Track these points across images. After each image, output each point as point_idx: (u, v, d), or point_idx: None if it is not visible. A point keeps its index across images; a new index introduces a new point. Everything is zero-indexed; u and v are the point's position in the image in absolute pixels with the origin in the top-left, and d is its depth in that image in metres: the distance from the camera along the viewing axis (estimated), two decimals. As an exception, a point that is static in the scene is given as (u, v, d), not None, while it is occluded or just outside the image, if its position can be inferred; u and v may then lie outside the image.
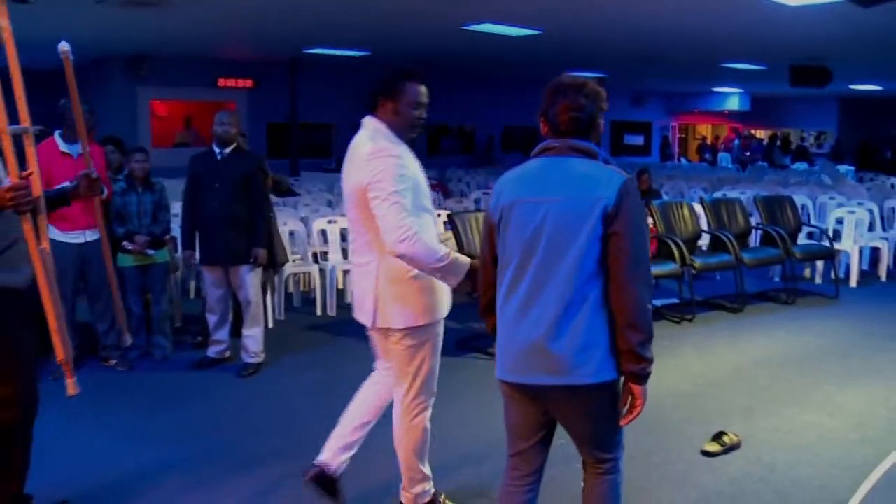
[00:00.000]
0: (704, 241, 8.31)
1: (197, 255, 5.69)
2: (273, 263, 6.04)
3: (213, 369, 5.67)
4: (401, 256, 3.00)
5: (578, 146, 2.54)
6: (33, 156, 2.95)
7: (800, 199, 10.11)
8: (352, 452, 3.54)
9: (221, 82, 15.99)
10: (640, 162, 21.78)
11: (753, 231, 8.64)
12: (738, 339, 6.52)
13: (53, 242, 3.25)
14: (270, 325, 6.74)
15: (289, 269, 7.24)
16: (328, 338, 6.64)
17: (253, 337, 5.60)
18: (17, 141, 2.89)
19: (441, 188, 12.90)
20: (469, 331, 6.78)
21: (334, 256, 7.67)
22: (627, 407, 2.55)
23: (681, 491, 3.82)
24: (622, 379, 2.52)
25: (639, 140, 27.91)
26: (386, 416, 3.59)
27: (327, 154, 18.22)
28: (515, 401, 2.69)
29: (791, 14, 9.10)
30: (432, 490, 3.51)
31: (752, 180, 14.98)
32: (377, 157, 3.05)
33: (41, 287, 2.90)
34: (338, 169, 14.40)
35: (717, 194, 11.25)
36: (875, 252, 9.43)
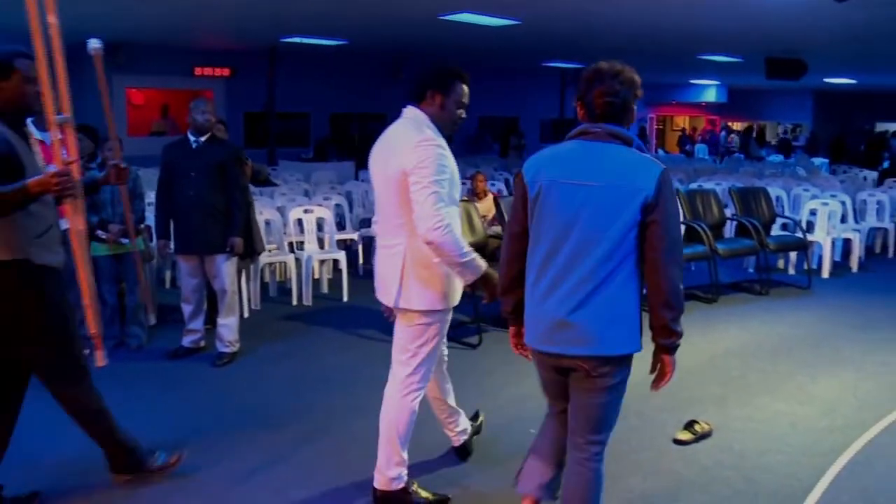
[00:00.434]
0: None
1: (172, 244, 5.66)
2: (250, 252, 6.03)
3: (187, 359, 5.65)
4: (430, 243, 3.14)
5: (616, 132, 2.66)
6: (74, 144, 3.18)
7: (774, 190, 10.20)
8: (460, 419, 3.97)
9: (198, 71, 15.86)
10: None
11: (728, 222, 8.71)
12: (711, 329, 6.58)
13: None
14: (246, 314, 6.73)
15: (265, 258, 7.22)
16: (304, 327, 6.63)
17: (228, 326, 5.59)
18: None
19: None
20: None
21: (310, 246, 7.66)
22: (657, 374, 2.79)
23: (653, 479, 3.86)
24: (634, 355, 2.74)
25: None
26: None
27: (305, 143, 18.14)
28: (545, 367, 2.89)
29: (767, 7, 9.16)
30: (406, 477, 3.54)
31: (728, 172, 15.10)
32: (423, 145, 3.18)
33: (79, 266, 3.23)
34: (315, 158, 14.39)
35: (694, 185, 11.34)
36: (847, 243, 9.55)
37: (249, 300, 6.93)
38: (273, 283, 7.80)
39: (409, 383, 3.46)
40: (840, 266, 9.35)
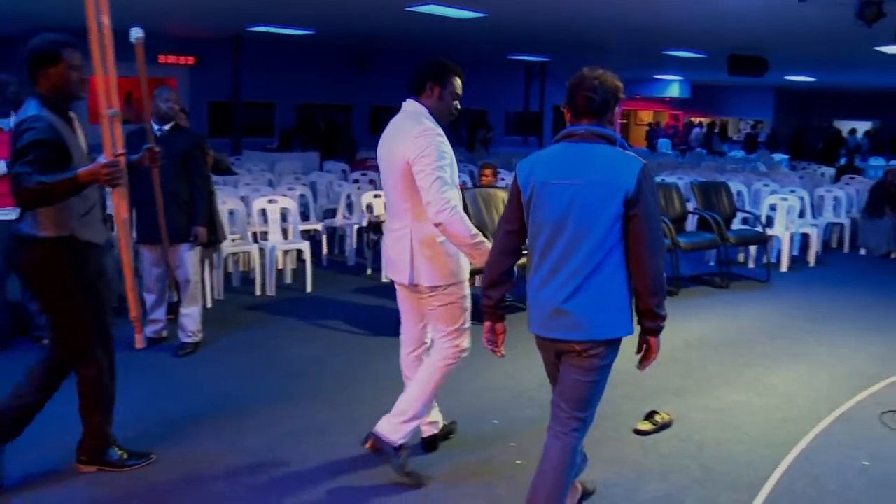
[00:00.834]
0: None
1: (133, 233, 5.59)
2: (213, 241, 5.98)
3: (149, 349, 5.57)
4: (439, 225, 3.42)
5: (599, 132, 2.89)
6: (121, 136, 3.41)
7: (735, 185, 10.35)
8: (433, 410, 4.02)
9: (162, 59, 15.66)
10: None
11: (690, 216, 8.83)
12: (672, 322, 6.56)
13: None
14: (209, 304, 6.68)
15: (228, 248, 7.16)
16: (267, 318, 6.60)
17: (191, 316, 5.54)
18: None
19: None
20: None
21: (274, 236, 7.61)
22: (643, 355, 3.04)
23: (613, 468, 3.92)
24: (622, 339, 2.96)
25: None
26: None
27: (269, 133, 18.01)
28: (545, 351, 3.11)
29: (730, 4, 9.29)
30: (407, 440, 3.72)
31: (690, 166, 15.29)
32: (424, 135, 3.46)
33: (122, 249, 3.56)
34: (280, 149, 14.32)
35: (656, 179, 11.45)
36: (805, 238, 9.73)
37: (213, 290, 6.88)
38: (236, 273, 7.75)
39: (448, 350, 3.75)
40: (798, 260, 9.53)
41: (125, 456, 3.78)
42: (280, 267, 7.77)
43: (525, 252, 3.07)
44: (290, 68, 17.63)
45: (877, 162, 21.48)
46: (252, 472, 3.84)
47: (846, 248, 10.74)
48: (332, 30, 13.88)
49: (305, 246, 7.67)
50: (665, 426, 4.39)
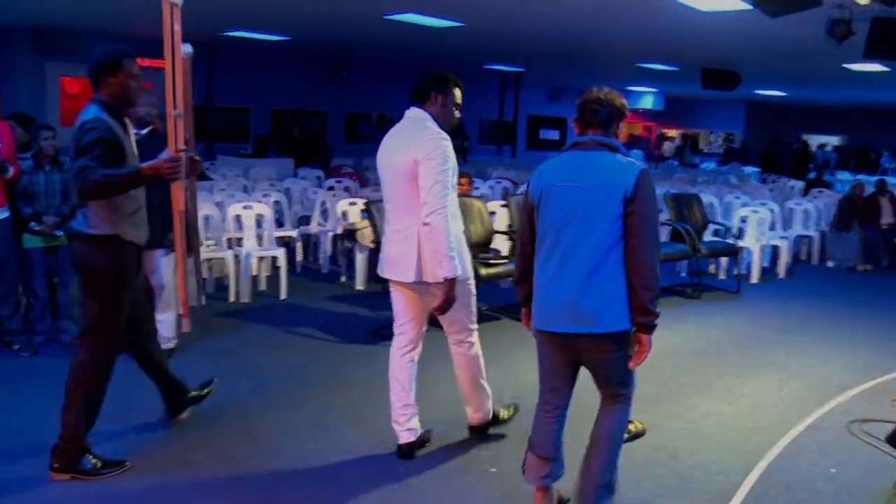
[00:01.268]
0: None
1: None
2: (188, 247, 5.93)
3: (122, 355, 5.53)
4: (426, 224, 3.64)
5: (603, 141, 3.15)
6: (183, 134, 3.70)
7: (707, 197, 10.48)
8: (414, 416, 4.12)
9: (136, 62, 15.54)
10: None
11: (662, 227, 8.93)
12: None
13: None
14: (181, 310, 6.62)
15: (203, 254, 7.13)
16: (241, 324, 6.58)
17: (165, 322, 5.50)
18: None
19: (357, 176, 12.85)
20: (382, 319, 6.81)
21: (249, 243, 7.59)
22: (636, 352, 3.15)
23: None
24: (634, 329, 3.12)
25: (554, 135, 28.35)
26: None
27: (244, 138, 17.93)
28: (548, 347, 3.30)
29: (703, 19, 9.41)
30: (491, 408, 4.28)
31: (663, 178, 15.44)
32: (434, 139, 3.70)
33: (177, 243, 3.87)
34: (254, 154, 14.27)
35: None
36: (775, 250, 9.87)
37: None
38: (211, 279, 7.71)
39: (466, 341, 4.06)
40: (768, 272, 9.67)
41: (98, 464, 3.78)
42: (254, 273, 7.74)
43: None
44: (265, 74, 17.57)
45: (844, 176, 21.84)
46: (227, 478, 3.83)
47: (815, 261, 10.92)
48: (307, 36, 13.87)
49: (280, 253, 7.65)
50: (638, 435, 4.43)
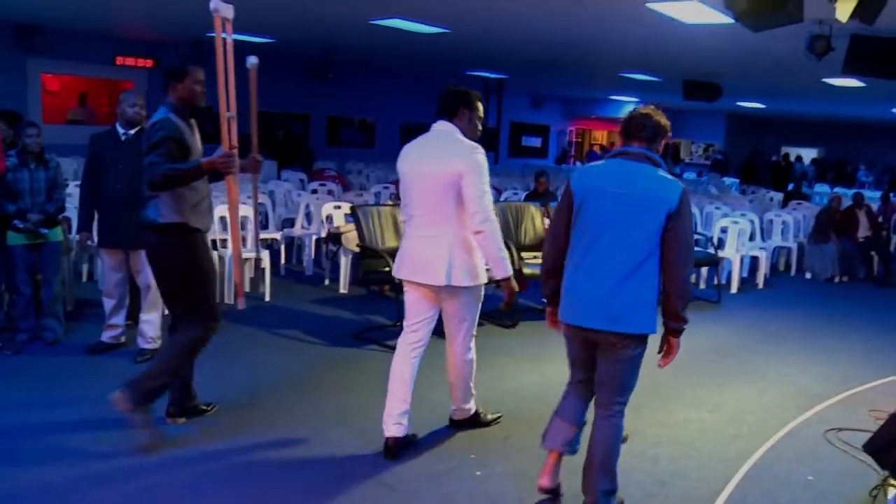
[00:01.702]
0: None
1: (95, 236, 5.55)
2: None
3: (107, 354, 5.55)
4: (479, 233, 3.92)
5: (648, 155, 3.34)
6: (234, 133, 4.05)
7: (688, 207, 10.55)
8: (405, 413, 4.20)
9: (120, 60, 15.42)
10: (538, 164, 22.28)
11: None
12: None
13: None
14: (167, 311, 6.61)
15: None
16: (225, 325, 6.44)
17: (151, 322, 5.51)
18: None
19: (340, 180, 12.86)
20: (366, 322, 6.85)
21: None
22: (665, 353, 3.45)
23: (570, 481, 3.97)
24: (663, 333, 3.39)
25: (536, 142, 28.49)
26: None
27: (226, 140, 17.85)
28: (576, 340, 3.51)
29: (687, 31, 9.52)
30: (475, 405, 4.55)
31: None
32: (475, 152, 3.96)
33: (232, 231, 4.24)
34: (238, 155, 14.02)
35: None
36: (754, 261, 9.99)
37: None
38: (194, 280, 7.68)
39: (467, 343, 4.27)
40: (747, 282, 9.79)
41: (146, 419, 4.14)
42: (238, 275, 7.72)
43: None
44: (248, 76, 17.53)
45: (822, 189, 22.11)
46: (211, 478, 3.84)
47: (793, 272, 11.06)
48: (292, 39, 13.84)
49: (265, 254, 7.65)
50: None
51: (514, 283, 4.10)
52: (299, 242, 9.48)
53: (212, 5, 4.04)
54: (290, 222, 9.68)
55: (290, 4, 10.10)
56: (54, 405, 4.61)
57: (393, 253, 6.46)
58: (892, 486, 3.83)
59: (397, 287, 5.94)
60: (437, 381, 5.31)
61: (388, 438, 4.14)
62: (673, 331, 3.39)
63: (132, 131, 5.34)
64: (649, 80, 17.45)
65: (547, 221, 8.01)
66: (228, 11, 4.16)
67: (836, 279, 10.60)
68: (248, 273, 7.97)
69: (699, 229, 10.45)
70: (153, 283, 5.43)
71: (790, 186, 17.94)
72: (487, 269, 4.09)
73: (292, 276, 8.79)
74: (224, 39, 4.05)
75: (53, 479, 3.71)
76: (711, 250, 8.99)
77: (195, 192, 4.15)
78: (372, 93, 20.15)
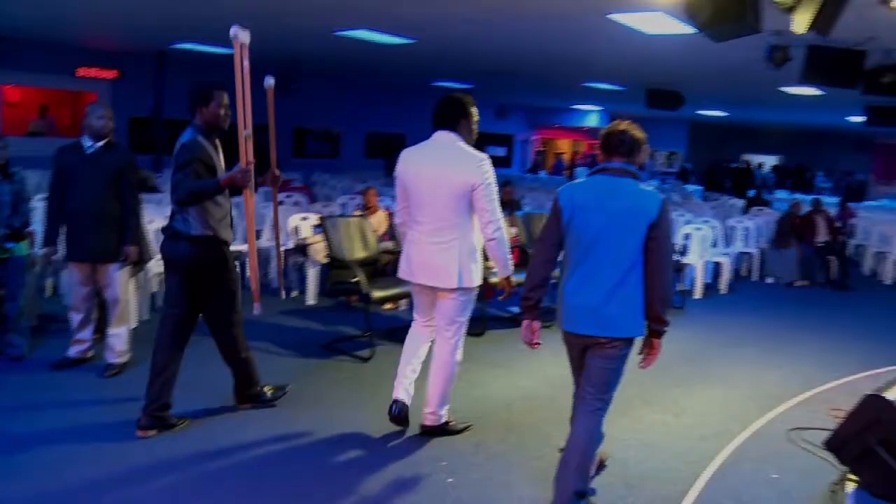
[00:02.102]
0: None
1: (60, 250, 5.50)
2: (140, 260, 5.91)
3: (74, 370, 5.49)
4: (491, 240, 4.25)
5: (628, 170, 3.57)
6: (251, 150, 4.38)
7: (652, 214, 10.70)
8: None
9: (82, 71, 15.28)
10: (502, 174, 22.38)
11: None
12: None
13: None
14: (134, 324, 6.58)
15: (155, 267, 7.08)
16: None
17: (119, 336, 5.47)
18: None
19: (306, 191, 12.84)
20: (335, 333, 6.86)
21: (202, 256, 7.54)
22: (648, 354, 3.68)
23: (541, 486, 4.05)
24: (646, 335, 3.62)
25: (501, 152, 28.64)
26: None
27: (191, 152, 17.72)
28: (573, 346, 3.75)
29: (649, 41, 9.69)
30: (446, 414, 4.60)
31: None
32: (485, 163, 4.21)
33: (250, 242, 4.64)
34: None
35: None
36: (717, 266, 10.16)
37: (138, 310, 6.78)
38: (161, 293, 7.64)
39: (457, 343, 4.46)
40: (711, 287, 9.95)
41: (270, 392, 5.02)
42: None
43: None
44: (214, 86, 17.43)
45: (782, 195, 22.51)
46: (183, 489, 3.84)
47: (755, 277, 11.26)
48: (257, 50, 13.78)
49: (233, 266, 7.62)
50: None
51: (513, 278, 4.47)
52: (266, 254, 9.45)
53: (232, 32, 4.39)
54: (256, 234, 9.63)
55: (255, 16, 10.10)
56: (18, 420, 4.57)
57: (360, 263, 6.53)
58: (852, 481, 3.94)
59: (365, 298, 6.00)
60: (415, 385, 5.35)
61: (395, 399, 4.57)
62: (655, 332, 3.61)
63: (99, 144, 5.30)
64: (613, 90, 17.68)
65: (514, 230, 8.08)
66: (246, 37, 4.44)
67: (797, 283, 10.82)
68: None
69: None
70: (122, 296, 5.43)
71: (751, 193, 18.25)
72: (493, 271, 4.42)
73: (259, 287, 8.75)
74: (242, 64, 4.40)
75: (18, 496, 3.68)
76: (675, 257, 9.12)
77: (219, 207, 4.48)
78: (337, 104, 20.15)
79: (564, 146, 35.37)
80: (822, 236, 11.21)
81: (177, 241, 4.45)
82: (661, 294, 3.50)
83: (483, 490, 3.99)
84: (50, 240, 5.46)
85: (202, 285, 4.52)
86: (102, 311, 5.68)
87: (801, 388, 5.93)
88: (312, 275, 7.99)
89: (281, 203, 10.76)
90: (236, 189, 4.49)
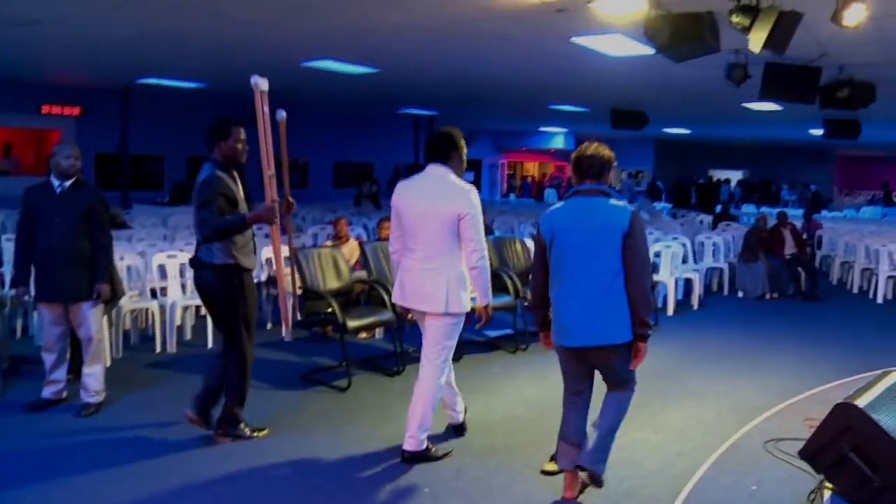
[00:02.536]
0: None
1: (32, 291, 5.44)
2: (113, 297, 5.87)
3: (49, 410, 5.42)
4: (474, 268, 4.48)
5: (600, 189, 3.91)
6: (275, 188, 4.70)
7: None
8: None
9: (46, 109, 15.18)
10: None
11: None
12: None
13: None
14: (107, 362, 6.51)
15: (127, 305, 7.03)
16: (170, 375, 6.49)
17: (94, 375, 5.42)
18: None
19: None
20: (311, 364, 6.85)
21: (174, 292, 7.51)
22: (634, 357, 3.88)
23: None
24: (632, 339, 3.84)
25: (469, 177, 28.75)
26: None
27: (159, 186, 17.66)
28: (570, 359, 4.02)
29: (611, 63, 9.85)
30: (427, 440, 4.67)
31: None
32: (472, 194, 4.47)
33: (277, 270, 5.16)
34: (172, 202, 14.07)
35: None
36: (688, 283, 10.28)
37: (112, 348, 6.72)
38: (135, 331, 7.59)
39: (442, 368, 4.60)
40: (683, 304, 10.05)
41: (248, 430, 4.96)
42: (179, 323, 7.65)
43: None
44: (181, 120, 17.40)
45: (749, 209, 22.82)
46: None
47: (725, 291, 11.40)
48: (224, 83, 13.83)
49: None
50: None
51: (491, 310, 4.66)
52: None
53: (252, 81, 4.63)
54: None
55: (222, 50, 10.14)
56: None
57: (334, 294, 6.53)
58: (828, 488, 4.01)
59: (340, 327, 6.01)
60: (392, 413, 5.36)
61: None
62: (640, 336, 3.82)
63: (67, 183, 5.28)
64: (578, 111, 17.89)
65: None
66: (265, 85, 4.68)
67: (767, 296, 10.96)
68: (189, 321, 7.89)
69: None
70: (95, 335, 5.39)
71: (718, 208, 18.49)
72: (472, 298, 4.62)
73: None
74: (263, 110, 4.64)
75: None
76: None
77: (242, 236, 4.75)
78: (304, 133, 20.16)
79: (532, 168, 35.65)
80: (789, 249, 11.40)
81: (202, 271, 4.74)
82: (641, 298, 3.77)
83: (466, 515, 4.00)
84: (20, 280, 5.41)
85: (222, 310, 4.81)
86: (75, 350, 5.63)
87: (776, 400, 6.00)
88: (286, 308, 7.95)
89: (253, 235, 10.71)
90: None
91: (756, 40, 6.07)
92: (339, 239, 8.58)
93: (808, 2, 6.00)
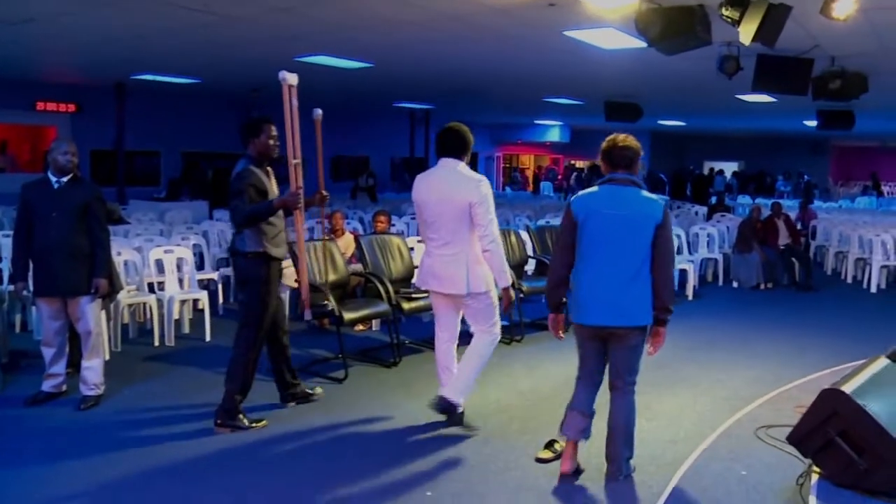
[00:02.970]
0: (531, 267, 8.84)
1: (31, 286, 5.49)
2: (110, 292, 5.92)
3: (49, 404, 5.47)
4: (486, 251, 4.81)
5: (633, 180, 4.13)
6: (301, 176, 5.01)
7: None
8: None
9: (40, 105, 15.22)
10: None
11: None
12: (564, 357, 6.94)
13: None
14: (106, 356, 6.55)
15: (125, 299, 7.08)
16: (168, 368, 6.55)
17: (93, 368, 5.47)
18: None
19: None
20: (309, 357, 6.89)
21: (171, 286, 7.56)
22: (654, 341, 4.14)
23: (518, 495, 4.14)
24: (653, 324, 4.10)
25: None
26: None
27: (155, 182, 17.69)
28: (588, 338, 4.23)
29: (605, 56, 9.89)
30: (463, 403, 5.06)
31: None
32: (482, 184, 4.82)
33: (300, 259, 5.39)
34: (168, 198, 14.20)
35: (541, 222, 11.93)
36: (683, 274, 10.34)
37: (110, 341, 6.77)
38: (133, 325, 7.64)
39: (490, 328, 5.01)
40: (678, 294, 10.04)
41: (247, 421, 5.06)
42: (177, 317, 7.69)
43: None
44: (176, 116, 17.44)
45: (744, 200, 22.88)
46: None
47: (720, 282, 11.47)
48: (218, 78, 13.87)
49: (203, 295, 7.65)
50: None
51: (512, 292, 4.99)
52: (237, 281, 9.45)
53: (280, 76, 4.91)
54: (225, 262, 9.65)
55: (216, 46, 10.16)
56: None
57: (331, 286, 6.59)
58: (816, 472, 4.08)
59: (337, 320, 6.07)
60: (389, 404, 5.41)
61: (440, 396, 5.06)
62: (661, 321, 4.08)
63: (64, 179, 5.33)
64: (572, 104, 17.92)
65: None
66: (294, 80, 4.96)
67: (761, 286, 11.04)
68: (187, 315, 7.94)
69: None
70: (94, 328, 5.44)
71: (713, 199, 18.55)
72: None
73: (231, 315, 8.73)
74: (291, 103, 4.95)
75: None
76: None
77: (273, 227, 5.05)
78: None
79: (527, 161, 35.67)
80: (783, 239, 11.46)
81: (236, 258, 5.12)
82: (667, 284, 4.04)
83: (460, 502, 4.06)
84: (19, 275, 5.46)
85: (245, 292, 5.15)
86: (74, 344, 5.68)
87: (768, 388, 6.08)
88: (284, 300, 8.01)
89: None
90: (287, 210, 5.07)
91: (746, 33, 6.12)
92: (334, 232, 8.62)
93: (797, -6, 6.05)
